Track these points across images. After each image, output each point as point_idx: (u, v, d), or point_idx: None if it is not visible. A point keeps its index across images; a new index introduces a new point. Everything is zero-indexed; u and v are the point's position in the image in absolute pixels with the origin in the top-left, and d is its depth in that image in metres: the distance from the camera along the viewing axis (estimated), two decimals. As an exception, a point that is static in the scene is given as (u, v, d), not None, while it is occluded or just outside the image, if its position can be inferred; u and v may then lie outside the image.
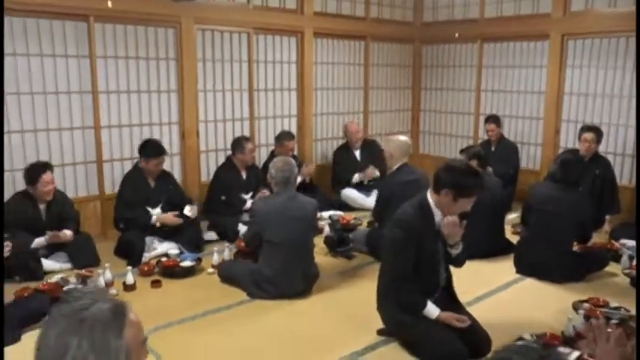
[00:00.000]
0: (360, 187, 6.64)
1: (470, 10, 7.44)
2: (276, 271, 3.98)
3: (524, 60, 7.00)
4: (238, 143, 5.60)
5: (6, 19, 4.69)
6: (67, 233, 4.60)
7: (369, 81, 7.55)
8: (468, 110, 7.69)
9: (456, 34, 7.46)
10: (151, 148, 4.98)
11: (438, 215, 3.12)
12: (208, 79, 5.96)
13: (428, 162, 7.65)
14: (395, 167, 4.79)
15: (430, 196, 3.14)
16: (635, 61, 5.91)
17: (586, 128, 5.74)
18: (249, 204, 5.47)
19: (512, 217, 6.03)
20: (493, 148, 6.58)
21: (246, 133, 6.26)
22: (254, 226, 4.04)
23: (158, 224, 4.92)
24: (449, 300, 3.33)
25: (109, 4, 5.03)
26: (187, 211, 5.00)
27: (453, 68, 7.79)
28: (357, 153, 6.79)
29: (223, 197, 5.49)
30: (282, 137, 6.15)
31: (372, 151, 6.84)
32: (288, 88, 6.69)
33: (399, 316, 3.22)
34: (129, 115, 5.47)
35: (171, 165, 5.78)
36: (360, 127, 6.92)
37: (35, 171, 4.48)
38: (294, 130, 6.69)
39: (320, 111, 7.09)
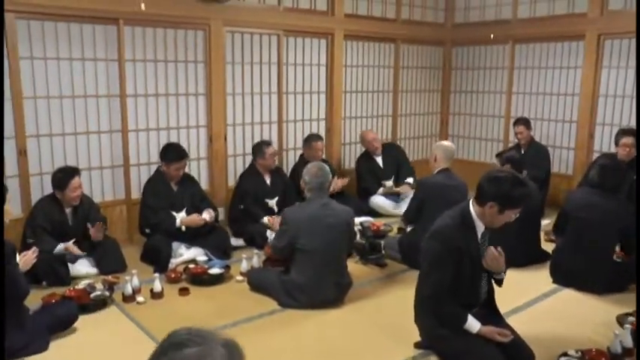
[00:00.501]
0: (388, 195, 6.51)
1: (502, 10, 7.27)
2: (309, 280, 3.87)
3: (557, 61, 6.81)
4: (258, 148, 5.49)
5: (37, 24, 4.66)
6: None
7: (398, 84, 7.41)
8: (498, 113, 7.53)
9: (492, 36, 7.26)
10: (172, 152, 4.92)
11: (480, 227, 2.98)
12: (237, 81, 5.89)
13: (457, 166, 7.29)
14: (436, 170, 4.72)
15: (472, 207, 2.99)
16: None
17: (624, 132, 5.52)
18: (275, 209, 5.41)
19: (545, 223, 5.83)
20: (523, 152, 6.37)
21: (275, 137, 6.19)
22: (286, 234, 3.92)
23: (183, 228, 4.84)
24: (490, 313, 3.18)
25: (143, 6, 4.95)
26: (205, 215, 4.91)
27: (484, 70, 7.63)
28: (379, 160, 6.62)
29: (242, 206, 5.37)
30: (310, 139, 6.07)
31: (394, 154, 6.70)
32: (317, 90, 6.59)
33: (437, 329, 3.08)
34: (156, 119, 5.41)
35: (199, 169, 5.73)
36: (376, 134, 6.76)
37: (64, 176, 4.42)
38: (322, 134, 6.56)
39: (349, 114, 6.98)
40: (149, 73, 5.30)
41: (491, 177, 2.91)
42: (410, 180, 6.50)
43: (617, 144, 5.51)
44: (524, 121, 6.48)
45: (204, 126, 5.71)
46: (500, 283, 3.17)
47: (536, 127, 6.87)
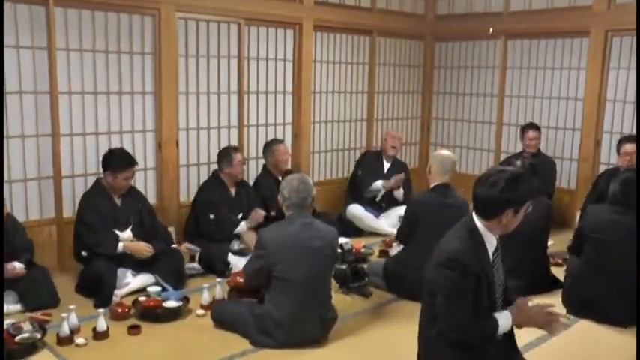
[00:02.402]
0: (370, 205, 6.53)
1: (492, 1, 7.35)
2: (288, 314, 3.75)
3: (557, 60, 6.92)
4: (226, 154, 5.45)
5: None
6: (17, 266, 4.27)
7: (374, 83, 7.43)
8: (488, 119, 7.61)
9: (490, 30, 7.28)
10: (119, 159, 4.77)
11: (490, 243, 2.94)
12: (191, 78, 5.79)
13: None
14: (431, 185, 4.67)
15: (478, 222, 2.93)
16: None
17: (625, 139, 5.70)
18: (242, 226, 5.35)
19: (549, 244, 5.85)
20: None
21: (234, 143, 6.08)
22: (260, 259, 3.79)
23: (128, 250, 4.68)
24: (508, 343, 3.09)
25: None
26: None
27: (471, 69, 7.71)
28: (387, 165, 6.78)
29: (212, 216, 5.29)
30: (270, 143, 6.05)
31: (404, 171, 6.80)
32: (283, 90, 6.56)
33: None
34: (95, 121, 5.25)
35: (145, 181, 5.59)
36: (401, 138, 6.99)
37: None
38: (289, 140, 6.54)
39: (318, 118, 6.95)
40: (86, 66, 5.14)
41: (491, 183, 2.86)
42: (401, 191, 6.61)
43: (618, 153, 5.65)
44: (536, 127, 6.57)
45: (151, 130, 5.59)
46: None
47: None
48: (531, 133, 6.54)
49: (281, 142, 6.11)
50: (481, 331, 2.88)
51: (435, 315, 2.95)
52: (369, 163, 6.75)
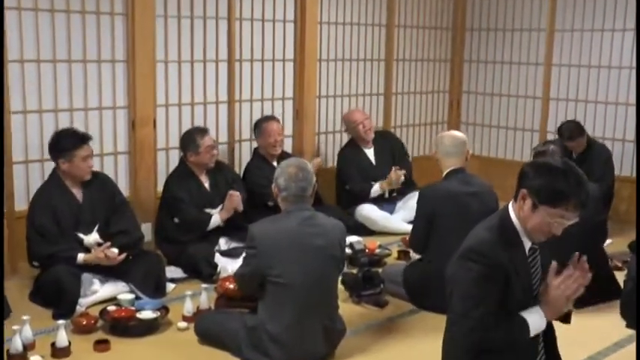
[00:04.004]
0: (380, 201, 6.55)
1: (537, -51, 7.39)
2: (286, 327, 3.77)
3: (618, 22, 6.92)
4: (189, 139, 5.46)
5: None
6: None
7: (393, 50, 7.45)
8: (532, 93, 7.63)
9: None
10: (69, 137, 4.73)
11: (527, 239, 2.93)
12: (171, 44, 5.82)
13: (473, 165, 7.41)
14: (444, 173, 4.69)
15: (512, 211, 2.94)
16: None
17: None
18: (216, 219, 5.38)
19: (606, 243, 5.86)
20: (575, 155, 6.35)
21: (224, 123, 6.16)
22: (252, 260, 3.81)
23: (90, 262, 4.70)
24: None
25: None
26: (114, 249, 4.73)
27: (512, 33, 7.72)
28: (370, 153, 6.73)
29: (177, 219, 5.32)
30: (260, 121, 6.10)
31: (389, 145, 6.79)
32: (283, 58, 6.59)
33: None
34: (53, 96, 5.28)
35: (115, 168, 5.64)
36: (367, 114, 6.84)
37: None
38: (289, 118, 6.57)
39: (325, 92, 6.97)
40: (43, 30, 5.16)
41: (531, 162, 2.98)
42: (402, 177, 6.51)
43: None
44: (577, 130, 6.36)
45: (123, 107, 5.62)
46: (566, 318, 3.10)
47: (587, 113, 6.94)
48: (572, 142, 6.31)
49: (274, 118, 6.14)
50: (507, 333, 2.87)
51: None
52: (350, 164, 6.64)
